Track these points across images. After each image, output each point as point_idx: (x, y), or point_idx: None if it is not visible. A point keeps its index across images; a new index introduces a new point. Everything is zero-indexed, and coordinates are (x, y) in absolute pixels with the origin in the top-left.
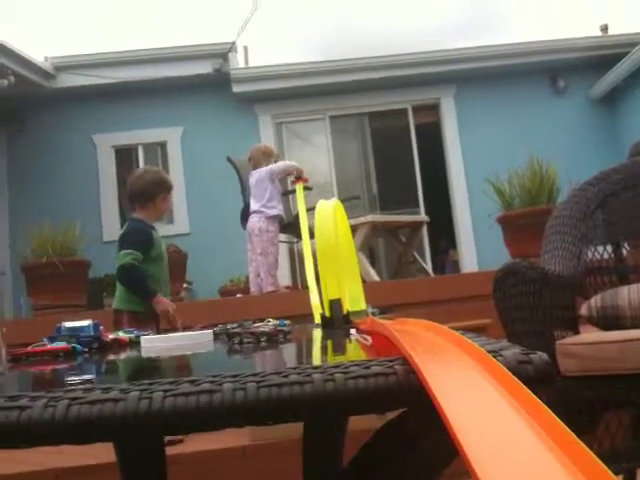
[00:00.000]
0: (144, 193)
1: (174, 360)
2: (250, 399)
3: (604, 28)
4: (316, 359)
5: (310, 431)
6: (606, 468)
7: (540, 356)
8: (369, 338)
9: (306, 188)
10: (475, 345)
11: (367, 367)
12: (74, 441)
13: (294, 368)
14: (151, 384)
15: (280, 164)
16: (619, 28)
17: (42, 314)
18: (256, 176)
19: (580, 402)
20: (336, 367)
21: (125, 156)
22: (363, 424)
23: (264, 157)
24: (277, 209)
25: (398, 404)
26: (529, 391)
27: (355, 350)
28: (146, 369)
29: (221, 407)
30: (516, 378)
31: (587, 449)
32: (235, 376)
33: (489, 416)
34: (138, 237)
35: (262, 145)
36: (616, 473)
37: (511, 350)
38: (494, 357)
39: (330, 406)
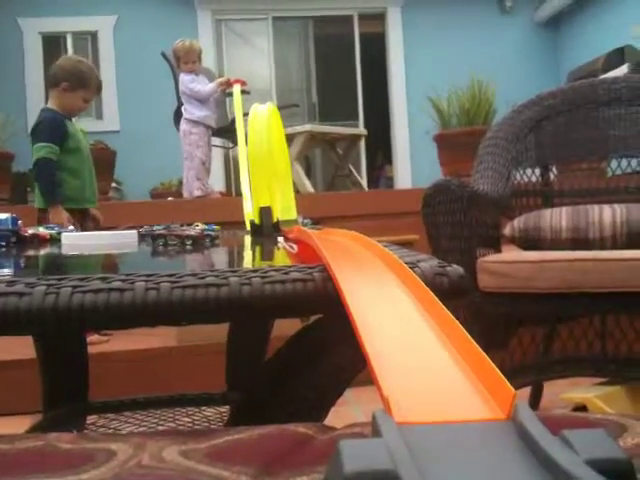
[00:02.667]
0: (51, 77)
1: (93, 258)
2: (163, 299)
3: None
4: (238, 264)
5: (233, 333)
6: (505, 380)
7: (455, 269)
8: (295, 246)
9: (244, 92)
10: (394, 256)
11: (286, 272)
12: None
13: (212, 271)
14: (60, 279)
15: (192, 87)
16: None
17: None
18: (179, 79)
19: (496, 317)
20: (255, 271)
21: (53, 44)
22: (289, 329)
23: (183, 56)
24: (196, 115)
25: (314, 310)
26: (440, 302)
27: (280, 257)
28: (60, 265)
29: (132, 306)
30: (429, 289)
31: (490, 362)
32: (149, 276)
33: (398, 325)
34: (50, 127)
35: (179, 43)
36: (525, 385)
37: (428, 262)
38: (411, 268)
39: (246, 309)
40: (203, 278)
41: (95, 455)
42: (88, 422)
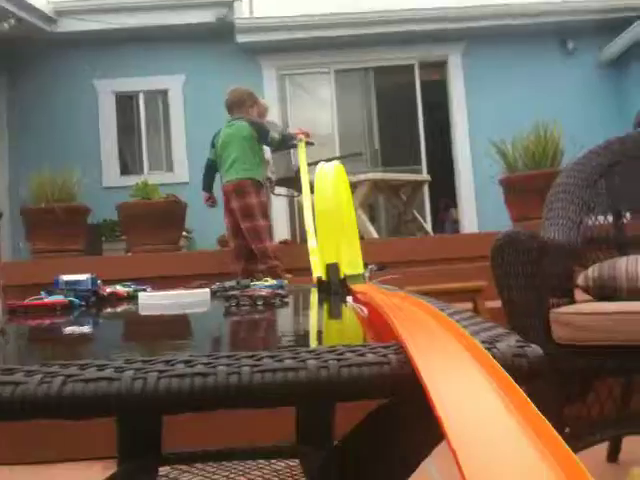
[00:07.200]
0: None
1: (170, 322)
2: (244, 383)
3: None
4: (311, 336)
5: (302, 409)
6: (585, 470)
7: (534, 349)
8: (365, 310)
9: (308, 143)
10: (470, 337)
11: (362, 354)
12: (68, 417)
13: (289, 351)
14: (145, 362)
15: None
16: None
17: (40, 258)
18: None
19: (572, 370)
20: (331, 352)
21: (126, 103)
22: None
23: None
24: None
25: (390, 393)
26: (518, 387)
27: (350, 324)
28: (142, 331)
29: (215, 390)
30: (507, 371)
31: (569, 449)
32: (230, 357)
33: (478, 410)
34: None
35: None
36: (604, 440)
37: (506, 342)
38: (489, 348)
39: (322, 393)
40: (281, 361)
41: None
42: (161, 473)
